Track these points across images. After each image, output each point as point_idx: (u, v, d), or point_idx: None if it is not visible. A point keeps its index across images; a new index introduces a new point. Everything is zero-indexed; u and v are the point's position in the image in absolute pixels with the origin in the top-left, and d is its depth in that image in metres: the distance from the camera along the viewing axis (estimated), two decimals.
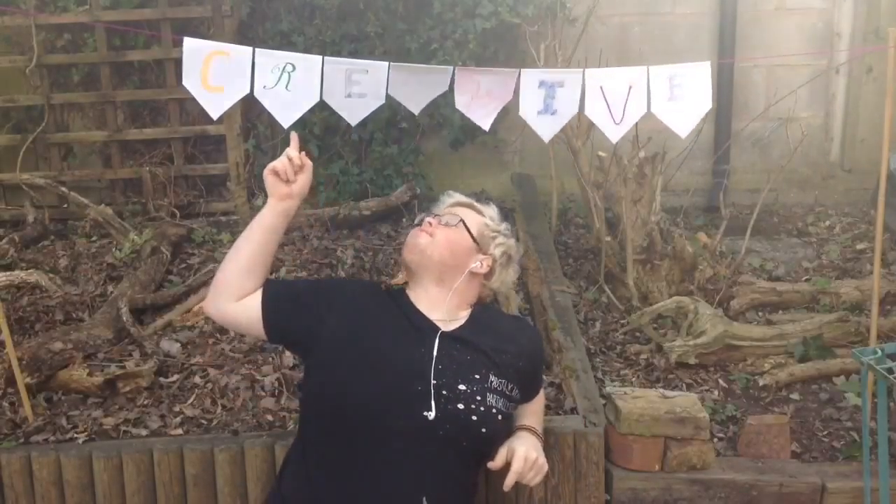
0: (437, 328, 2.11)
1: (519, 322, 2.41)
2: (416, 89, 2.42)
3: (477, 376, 2.03)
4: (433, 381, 1.98)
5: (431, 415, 1.94)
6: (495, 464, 2.02)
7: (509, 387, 2.08)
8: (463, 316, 2.18)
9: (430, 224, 2.20)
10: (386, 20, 4.55)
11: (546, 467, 2.07)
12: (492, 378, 2.04)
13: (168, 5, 4.55)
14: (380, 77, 2.38)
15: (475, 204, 2.33)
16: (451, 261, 2.17)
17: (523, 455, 2.01)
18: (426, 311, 2.15)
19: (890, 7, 4.77)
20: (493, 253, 2.24)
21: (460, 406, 1.97)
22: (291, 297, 2.15)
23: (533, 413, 2.24)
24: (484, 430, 1.99)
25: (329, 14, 4.56)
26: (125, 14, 4.55)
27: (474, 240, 2.21)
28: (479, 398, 1.99)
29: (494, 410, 2.01)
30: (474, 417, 1.97)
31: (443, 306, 2.15)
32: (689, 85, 2.54)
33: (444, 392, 1.97)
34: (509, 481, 1.99)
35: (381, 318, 2.12)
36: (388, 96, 2.38)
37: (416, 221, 2.27)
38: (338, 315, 2.10)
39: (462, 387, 1.99)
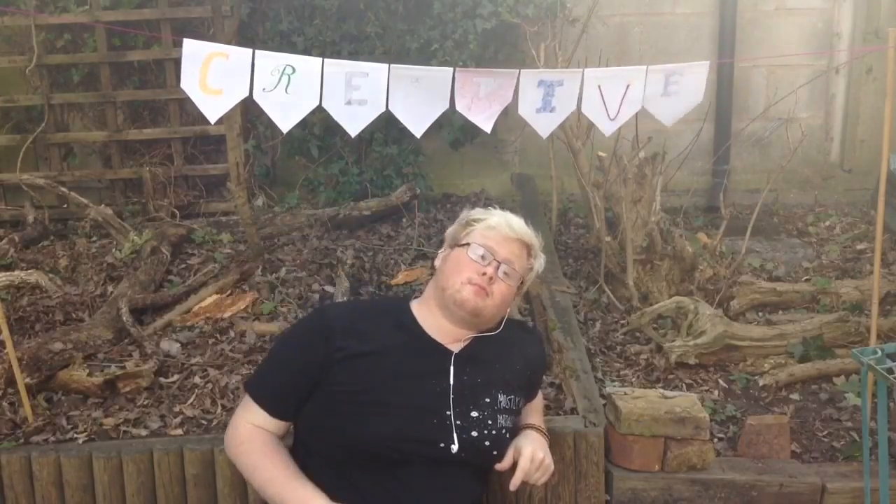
0: (449, 352, 2.02)
1: (523, 329, 2.32)
2: (416, 104, 2.41)
3: (487, 399, 2.00)
4: (453, 417, 1.94)
5: (455, 447, 1.93)
6: (503, 465, 2.02)
7: (515, 401, 2.08)
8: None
9: (491, 279, 2.01)
10: (386, 20, 4.55)
11: (552, 467, 2.06)
12: (500, 398, 2.03)
13: (168, 5, 4.55)
14: (380, 81, 2.38)
15: (534, 247, 2.13)
16: (498, 316, 2.08)
17: (530, 455, 2.00)
18: (433, 332, 2.04)
19: (890, 7, 4.77)
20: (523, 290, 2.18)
21: (474, 434, 1.96)
22: (290, 393, 1.99)
23: (535, 410, 2.23)
24: (496, 452, 2.00)
25: (329, 14, 4.56)
26: (125, 14, 4.55)
27: (519, 289, 2.12)
28: (490, 422, 1.99)
29: (504, 430, 2.01)
30: (487, 443, 1.97)
31: (455, 335, 2.06)
32: (684, 82, 2.55)
33: (459, 422, 1.95)
34: (515, 481, 1.98)
35: (388, 348, 1.99)
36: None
37: (474, 256, 2.03)
38: (340, 359, 1.95)
39: (475, 413, 1.97)
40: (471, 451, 1.96)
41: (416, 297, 2.18)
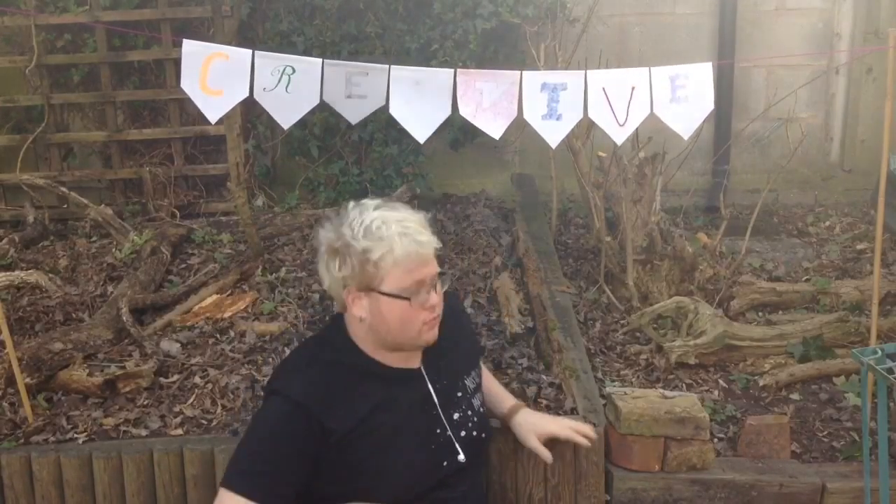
0: (417, 371, 1.98)
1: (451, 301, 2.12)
2: (419, 108, 2.40)
3: (459, 394, 2.02)
4: (448, 430, 1.95)
5: (461, 457, 1.95)
6: (548, 457, 2.20)
7: (474, 374, 2.09)
8: None
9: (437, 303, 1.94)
10: (386, 20, 4.55)
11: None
12: (467, 384, 2.04)
13: (168, 5, 4.55)
14: (380, 82, 2.38)
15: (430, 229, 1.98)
16: None
17: (569, 426, 2.23)
18: (393, 362, 1.97)
19: (890, 7, 4.77)
20: None
21: (462, 434, 1.99)
22: (286, 484, 1.87)
23: (499, 386, 2.27)
24: (484, 434, 2.03)
25: (329, 14, 4.56)
26: (125, 14, 4.55)
27: None
28: (469, 412, 2.02)
29: (481, 409, 2.06)
30: (475, 433, 2.01)
31: (413, 354, 2.00)
32: (691, 86, 2.54)
33: (453, 432, 1.98)
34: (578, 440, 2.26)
35: (372, 406, 1.91)
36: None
37: (416, 305, 1.88)
38: (336, 441, 1.88)
39: (456, 415, 1.99)
40: (468, 450, 1.98)
41: (345, 319, 1.98)
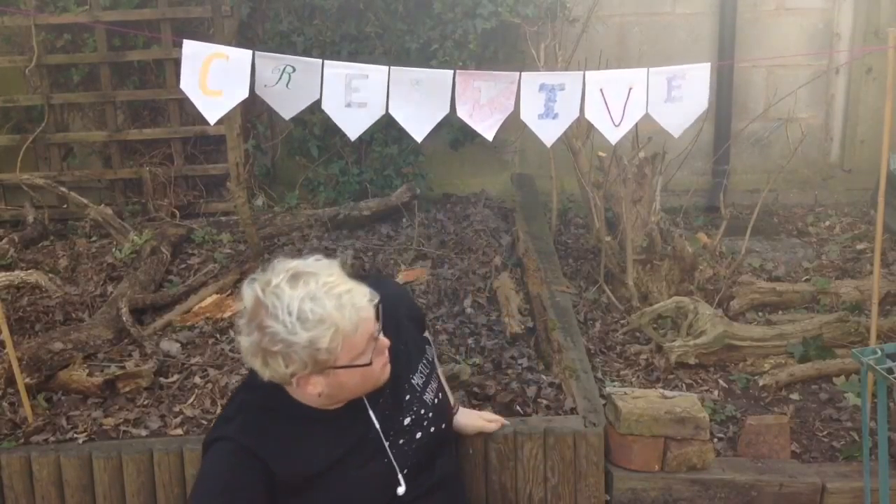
0: (360, 403, 1.87)
1: (373, 289, 1.84)
2: (417, 107, 2.41)
3: (407, 397, 1.94)
4: (391, 453, 1.87)
5: (402, 489, 1.86)
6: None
7: (426, 364, 2.02)
8: None
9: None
10: (386, 20, 4.55)
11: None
12: (414, 383, 1.96)
13: (168, 5, 4.55)
14: (380, 83, 2.38)
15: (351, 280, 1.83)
16: None
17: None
18: (337, 405, 1.87)
19: (890, 7, 4.77)
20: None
21: (419, 435, 1.93)
22: None
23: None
24: (444, 425, 2.02)
25: (329, 14, 4.56)
26: (125, 14, 4.55)
27: None
28: (423, 412, 1.95)
29: (436, 398, 1.99)
30: (433, 428, 1.96)
31: None
32: (687, 86, 2.55)
33: (401, 442, 1.90)
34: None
35: (323, 455, 1.83)
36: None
37: (377, 366, 1.79)
38: (292, 490, 1.81)
39: (406, 420, 1.92)
40: (432, 444, 1.96)
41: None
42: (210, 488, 1.77)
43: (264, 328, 1.66)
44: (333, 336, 1.67)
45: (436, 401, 2.00)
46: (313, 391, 1.76)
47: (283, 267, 1.73)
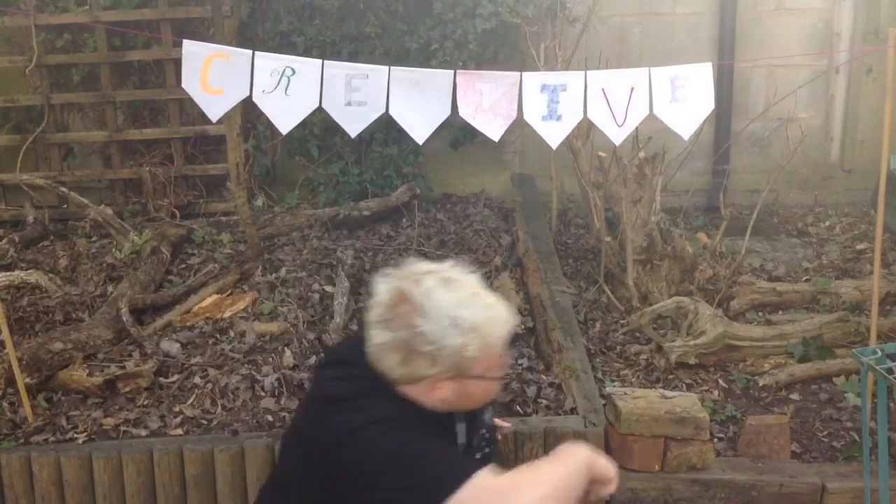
0: (451, 419, 1.82)
1: None
2: (418, 109, 2.40)
3: (479, 415, 1.93)
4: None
5: None
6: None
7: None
8: None
9: None
10: (386, 20, 4.55)
11: None
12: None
13: (168, 5, 4.55)
14: (380, 83, 2.38)
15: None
16: None
17: None
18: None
19: (890, 7, 4.77)
20: None
21: (486, 451, 1.92)
22: None
23: None
24: (494, 445, 2.01)
25: (329, 14, 4.56)
26: (125, 14, 4.55)
27: None
28: (483, 432, 1.92)
29: (491, 421, 2.00)
30: (489, 449, 1.94)
31: None
32: (690, 87, 2.54)
33: (477, 457, 1.88)
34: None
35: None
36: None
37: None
38: None
39: (476, 439, 1.89)
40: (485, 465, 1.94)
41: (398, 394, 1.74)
42: (415, 452, 1.65)
43: (414, 327, 1.64)
44: (480, 346, 1.67)
45: (491, 421, 1.99)
46: (439, 396, 1.72)
47: (425, 269, 1.72)
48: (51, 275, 3.72)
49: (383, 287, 1.72)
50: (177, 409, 2.82)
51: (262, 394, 2.88)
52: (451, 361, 1.67)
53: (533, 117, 2.50)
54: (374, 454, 1.63)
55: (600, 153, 3.76)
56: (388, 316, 1.69)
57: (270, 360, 3.04)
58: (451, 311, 1.66)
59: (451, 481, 1.57)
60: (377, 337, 1.70)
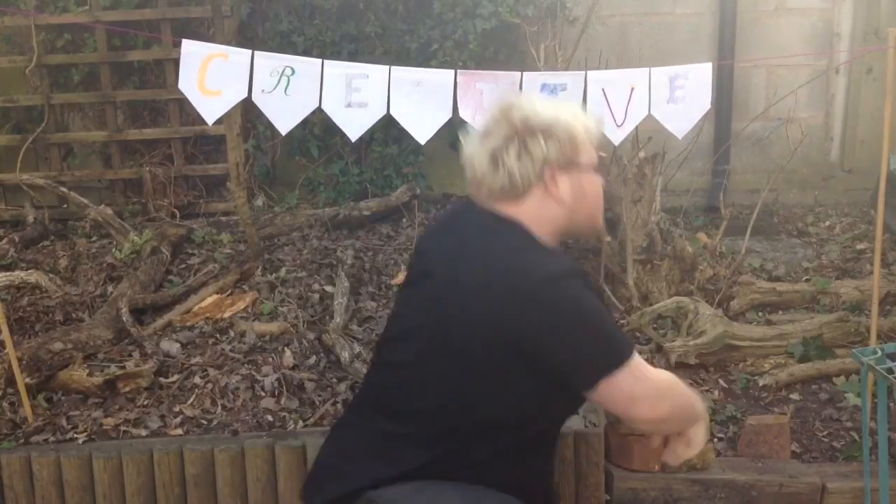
0: None
1: None
2: (419, 109, 2.40)
3: None
4: None
5: None
6: None
7: None
8: None
9: None
10: (386, 20, 4.55)
11: None
12: None
13: (168, 5, 4.55)
14: (381, 83, 2.38)
15: None
16: None
17: None
18: None
19: (890, 7, 4.77)
20: None
21: None
22: None
23: None
24: None
25: (329, 14, 4.56)
26: (125, 14, 4.55)
27: None
28: None
29: None
30: None
31: None
32: (689, 87, 2.55)
33: None
34: None
35: None
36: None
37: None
38: None
39: None
40: None
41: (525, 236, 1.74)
42: (592, 313, 1.66)
43: (525, 116, 1.71)
44: (583, 129, 1.79)
45: None
46: (562, 192, 1.78)
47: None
48: (51, 275, 3.72)
49: (485, 116, 1.80)
50: (177, 409, 2.82)
51: (262, 394, 2.88)
52: (565, 136, 1.74)
53: None
54: (569, 304, 1.62)
55: (600, 153, 3.75)
56: (490, 130, 1.74)
57: (270, 360, 3.04)
58: (550, 105, 1.78)
59: (625, 350, 1.61)
60: (479, 150, 1.74)
